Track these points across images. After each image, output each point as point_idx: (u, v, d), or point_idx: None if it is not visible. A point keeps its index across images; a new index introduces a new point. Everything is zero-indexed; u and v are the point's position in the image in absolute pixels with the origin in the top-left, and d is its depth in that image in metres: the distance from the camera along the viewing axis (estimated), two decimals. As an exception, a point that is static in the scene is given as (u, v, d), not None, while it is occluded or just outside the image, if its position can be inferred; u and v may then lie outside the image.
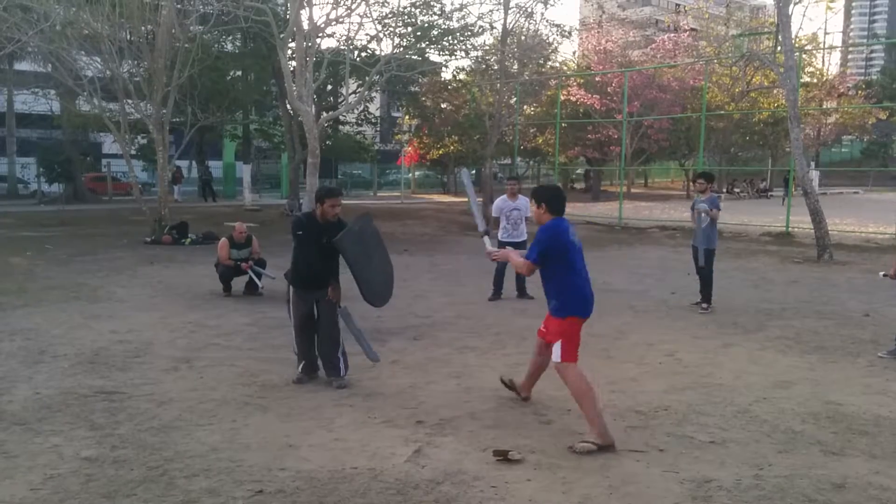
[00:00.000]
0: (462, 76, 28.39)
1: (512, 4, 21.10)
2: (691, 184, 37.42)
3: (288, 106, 21.96)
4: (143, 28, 16.83)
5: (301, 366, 5.97)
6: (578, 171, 49.41)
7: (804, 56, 31.93)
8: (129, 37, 16.94)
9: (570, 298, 4.82)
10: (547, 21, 27.56)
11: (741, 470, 4.20)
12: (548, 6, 21.87)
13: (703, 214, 8.97)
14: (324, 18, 15.68)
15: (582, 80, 31.68)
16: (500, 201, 10.03)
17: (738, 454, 4.44)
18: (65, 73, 16.64)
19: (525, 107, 29.75)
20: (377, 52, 21.40)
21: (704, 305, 9.05)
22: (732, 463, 4.30)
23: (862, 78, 59.72)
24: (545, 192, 5.00)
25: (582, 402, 4.66)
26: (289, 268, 9.91)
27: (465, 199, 29.97)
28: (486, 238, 5.48)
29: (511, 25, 21.48)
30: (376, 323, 8.27)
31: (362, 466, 4.21)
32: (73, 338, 7.33)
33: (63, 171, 28.69)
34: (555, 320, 4.82)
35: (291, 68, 15.01)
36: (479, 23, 21.60)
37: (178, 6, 17.08)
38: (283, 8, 19.38)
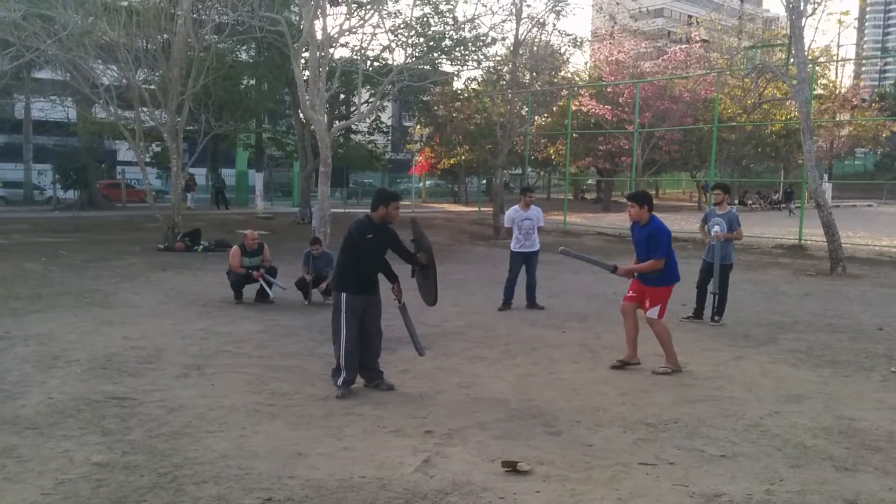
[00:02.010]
0: (474, 86, 28.46)
1: (524, 15, 21.16)
2: (703, 195, 37.45)
3: (301, 115, 22.07)
4: (158, 37, 16.99)
5: (344, 378, 5.80)
6: (589, 182, 49.38)
7: (817, 68, 31.85)
8: (145, 46, 17.10)
9: (672, 272, 6.60)
10: (559, 32, 27.49)
11: (752, 484, 4.16)
12: (560, 17, 21.89)
13: (718, 239, 8.90)
14: (337, 29, 15.78)
15: (593, 91, 31.69)
16: (513, 211, 10.04)
17: (749, 468, 4.41)
18: (82, 81, 16.82)
19: (536, 117, 29.77)
20: (389, 62, 21.49)
21: (717, 318, 9.00)
22: (743, 477, 4.27)
23: (876, 90, 59.39)
24: (646, 196, 6.78)
25: (665, 343, 6.61)
26: (300, 277, 9.92)
27: (475, 209, 30.03)
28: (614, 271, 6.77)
29: (523, 36, 21.53)
30: (385, 332, 8.28)
31: (371, 476, 4.21)
32: (86, 343, 7.38)
33: (78, 177, 28.92)
34: (658, 289, 6.59)
35: (304, 78, 15.06)
36: (491, 33, 21.66)
37: (194, 16, 17.23)
38: (298, 18, 19.49)
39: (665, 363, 6.65)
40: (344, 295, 5.84)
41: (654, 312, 6.60)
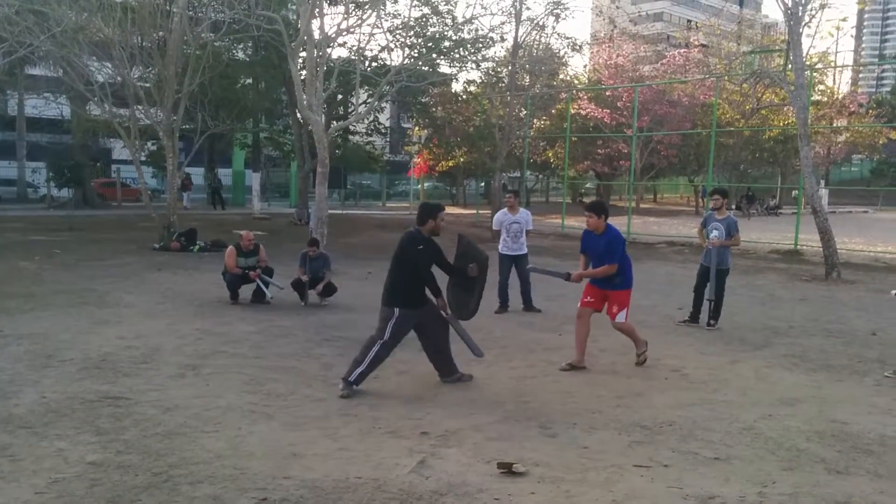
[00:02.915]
0: (473, 88, 28.45)
1: (523, 17, 21.18)
2: (701, 200, 37.52)
3: (298, 115, 22.06)
4: (154, 34, 16.95)
5: (358, 375, 5.85)
6: (588, 185, 49.39)
7: (815, 74, 31.92)
8: (140, 43, 17.06)
9: (629, 275, 6.88)
10: (558, 34, 27.41)
11: (745, 487, 4.18)
12: (559, 20, 21.88)
13: (715, 244, 8.91)
14: (335, 28, 15.79)
15: (592, 94, 31.71)
16: (501, 214, 10.07)
17: (742, 471, 4.43)
18: (76, 78, 16.75)
19: (535, 120, 29.78)
20: (388, 63, 21.50)
21: (712, 322, 9.01)
22: (737, 479, 4.29)
23: (873, 97, 59.56)
24: (604, 206, 7.11)
25: (633, 336, 7.00)
26: (296, 278, 9.91)
27: (474, 211, 30.05)
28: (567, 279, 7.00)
29: (522, 38, 21.55)
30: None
31: (366, 476, 4.21)
32: (81, 343, 7.36)
33: (73, 176, 28.85)
34: (621, 293, 6.84)
35: (302, 77, 15.06)
36: (491, 35, 21.66)
37: (190, 13, 17.20)
38: (295, 17, 19.49)
39: (637, 350, 7.02)
40: (397, 310, 5.89)
41: (622, 316, 6.88)
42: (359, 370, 5.85)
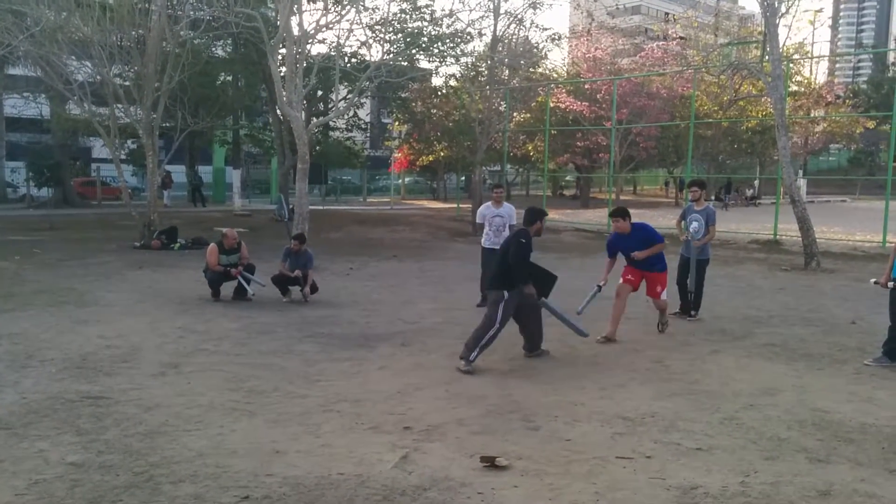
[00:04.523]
0: (452, 82, 28.40)
1: (502, 11, 21.17)
2: (679, 192, 37.72)
3: (278, 111, 21.91)
4: (133, 33, 16.78)
5: (477, 354, 6.56)
6: (568, 178, 49.54)
7: (792, 65, 32.18)
8: (119, 41, 16.88)
9: (664, 260, 7.95)
10: (537, 27, 27.29)
11: (727, 477, 4.22)
12: (536, 11, 21.88)
13: (696, 239, 8.96)
14: (314, 25, 15.69)
15: (571, 88, 31.79)
16: (485, 208, 10.08)
17: (724, 461, 4.47)
18: (55, 78, 16.56)
19: (515, 113, 29.80)
20: (367, 59, 21.41)
21: (693, 313, 9.07)
22: (719, 470, 4.32)
23: (850, 86, 60.11)
24: (626, 210, 7.99)
25: (664, 311, 8.15)
26: (277, 273, 9.93)
27: (454, 205, 30.04)
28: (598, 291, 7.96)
29: (501, 32, 21.54)
30: (365, 329, 8.28)
31: (349, 472, 4.21)
32: (61, 342, 7.29)
33: (52, 175, 28.53)
34: (661, 275, 7.94)
35: (281, 74, 14.97)
36: (469, 29, 21.63)
37: (169, 11, 17.04)
38: (274, 14, 19.37)
39: (660, 319, 8.19)
40: (506, 292, 6.67)
41: (664, 294, 8.00)
42: (477, 349, 6.55)
